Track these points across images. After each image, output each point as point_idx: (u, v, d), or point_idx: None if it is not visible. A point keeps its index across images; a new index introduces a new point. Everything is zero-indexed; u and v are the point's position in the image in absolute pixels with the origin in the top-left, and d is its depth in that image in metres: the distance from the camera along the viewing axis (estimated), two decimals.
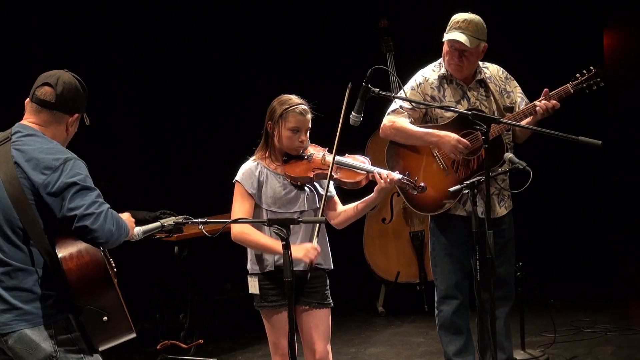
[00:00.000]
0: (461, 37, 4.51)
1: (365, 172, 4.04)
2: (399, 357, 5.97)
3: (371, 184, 4.05)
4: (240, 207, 4.02)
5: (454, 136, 4.54)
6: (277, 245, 3.88)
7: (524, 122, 4.56)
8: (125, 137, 7.92)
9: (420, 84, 4.70)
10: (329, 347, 4.13)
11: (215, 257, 7.18)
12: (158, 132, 8.04)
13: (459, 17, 4.60)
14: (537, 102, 4.54)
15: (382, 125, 4.70)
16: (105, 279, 3.24)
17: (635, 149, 8.82)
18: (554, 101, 4.52)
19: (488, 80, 4.72)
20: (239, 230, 3.97)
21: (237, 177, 4.07)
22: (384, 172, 4.00)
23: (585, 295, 7.22)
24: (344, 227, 4.20)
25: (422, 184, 4.05)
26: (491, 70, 4.80)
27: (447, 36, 4.58)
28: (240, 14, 8.16)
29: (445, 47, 4.64)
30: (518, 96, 4.77)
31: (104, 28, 7.54)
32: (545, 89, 4.55)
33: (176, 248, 6.03)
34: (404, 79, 4.82)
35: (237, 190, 4.06)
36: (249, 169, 4.08)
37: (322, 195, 4.09)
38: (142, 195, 7.54)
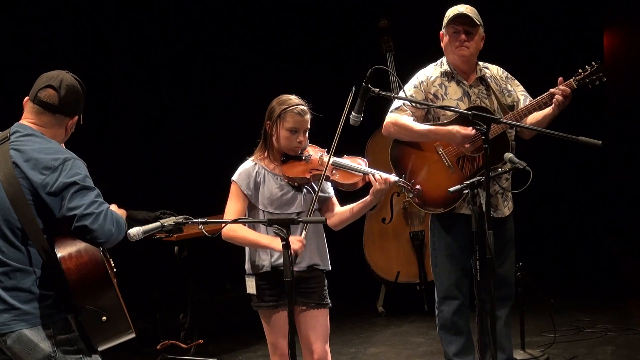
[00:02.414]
0: (467, 12, 4.58)
1: (361, 174, 4.03)
2: (399, 357, 5.97)
3: (369, 185, 4.04)
4: (233, 206, 4.03)
5: (458, 130, 4.51)
6: (265, 238, 3.91)
7: (541, 113, 4.55)
8: (125, 137, 7.92)
9: (422, 82, 4.71)
10: (327, 347, 4.12)
11: (215, 257, 7.18)
12: (158, 132, 8.04)
13: (454, 7, 4.67)
14: (554, 90, 4.50)
15: (384, 123, 4.70)
16: (105, 278, 3.23)
17: (635, 149, 8.82)
18: (564, 88, 4.51)
19: (489, 80, 4.73)
20: (228, 228, 3.97)
21: (234, 177, 4.08)
22: (380, 175, 4.00)
23: (585, 295, 7.22)
24: (344, 228, 4.20)
25: (418, 186, 4.02)
26: (492, 70, 4.80)
27: (450, 14, 4.61)
28: (240, 14, 8.16)
29: (446, 37, 4.65)
30: (520, 94, 4.76)
31: (104, 27, 7.54)
32: (560, 78, 4.54)
33: (176, 248, 6.03)
34: (404, 79, 4.82)
35: (233, 190, 4.07)
36: (247, 169, 4.08)
37: (321, 196, 4.10)
38: (142, 195, 7.53)
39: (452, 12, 4.65)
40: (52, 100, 3.31)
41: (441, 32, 4.69)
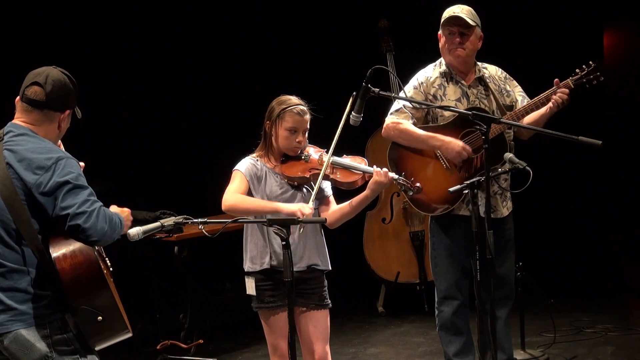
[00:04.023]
0: (460, 15, 4.57)
1: (361, 172, 4.03)
2: (399, 357, 5.97)
3: (367, 184, 4.04)
4: (236, 185, 4.01)
5: (458, 143, 4.53)
6: (269, 204, 3.92)
7: (537, 113, 4.56)
8: (125, 137, 7.91)
9: (422, 82, 4.71)
10: (327, 348, 4.13)
11: (215, 257, 7.18)
12: (158, 132, 8.04)
13: (451, 7, 4.67)
14: (552, 96, 4.50)
15: (384, 125, 4.70)
16: (99, 278, 3.23)
17: (635, 149, 8.81)
18: (563, 89, 4.51)
19: (487, 80, 4.73)
20: (231, 203, 3.93)
21: (237, 167, 4.09)
22: (382, 169, 4.00)
23: (585, 295, 7.22)
24: (344, 228, 4.19)
25: (417, 184, 4.02)
26: (490, 70, 4.80)
27: (446, 15, 4.61)
28: (240, 13, 8.16)
29: (443, 38, 4.66)
30: (519, 95, 4.77)
31: (104, 27, 7.54)
32: (556, 80, 4.54)
33: (176, 248, 6.03)
34: (404, 79, 4.82)
35: (235, 175, 4.07)
36: (250, 163, 4.10)
37: (318, 194, 4.10)
38: (142, 195, 7.53)
39: (447, 13, 4.64)
40: (38, 97, 3.30)
41: (439, 32, 4.70)
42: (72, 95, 3.37)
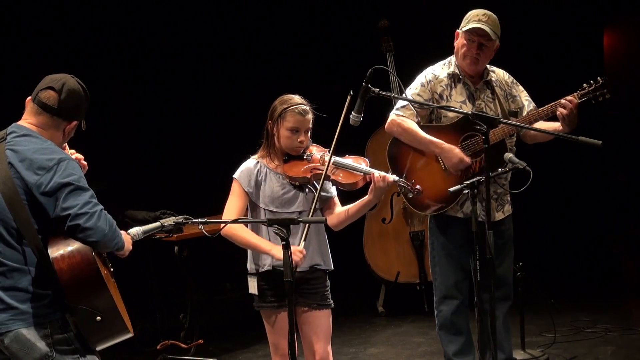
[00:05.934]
0: (486, 28, 4.53)
1: (362, 174, 4.03)
2: (399, 357, 5.97)
3: (369, 185, 4.04)
4: (233, 204, 4.03)
5: (457, 155, 4.53)
6: (267, 244, 3.90)
7: (552, 125, 4.57)
8: (124, 137, 7.91)
9: (430, 80, 4.71)
10: (329, 348, 4.12)
11: (215, 257, 7.18)
12: (158, 132, 8.04)
13: (478, 11, 4.62)
14: (561, 101, 4.48)
15: (389, 120, 4.70)
16: (97, 279, 3.23)
17: (635, 149, 8.81)
18: (570, 99, 4.50)
19: (494, 84, 4.73)
20: (228, 226, 3.96)
21: (235, 174, 4.09)
22: (381, 174, 3.99)
23: (585, 295, 7.22)
24: (344, 228, 4.19)
25: (418, 186, 4.00)
26: (497, 74, 4.80)
27: (469, 26, 4.58)
28: (240, 13, 8.16)
29: (462, 40, 4.63)
30: (525, 100, 4.77)
31: (104, 27, 7.54)
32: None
33: (176, 248, 6.03)
34: (404, 79, 4.82)
35: (234, 187, 4.08)
36: (248, 167, 4.09)
37: (322, 196, 4.09)
38: (142, 195, 7.53)
39: (472, 19, 4.58)
40: (51, 102, 3.31)
41: (457, 30, 4.67)
42: (83, 107, 3.39)
